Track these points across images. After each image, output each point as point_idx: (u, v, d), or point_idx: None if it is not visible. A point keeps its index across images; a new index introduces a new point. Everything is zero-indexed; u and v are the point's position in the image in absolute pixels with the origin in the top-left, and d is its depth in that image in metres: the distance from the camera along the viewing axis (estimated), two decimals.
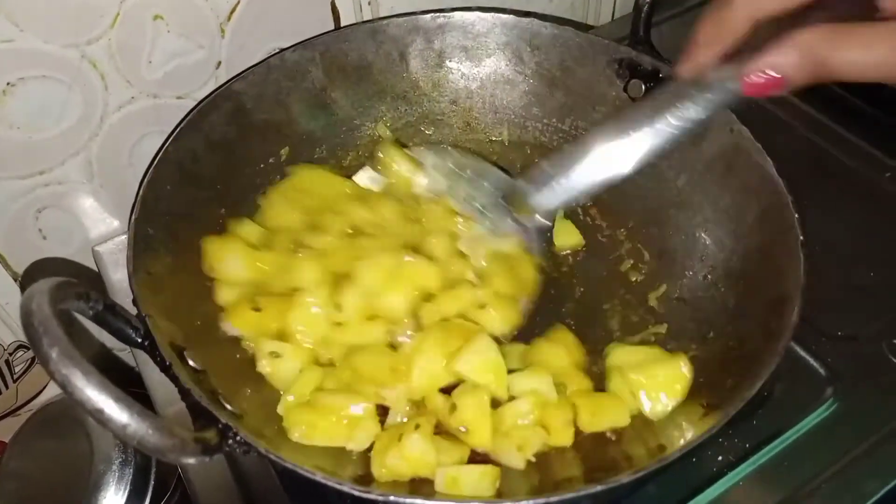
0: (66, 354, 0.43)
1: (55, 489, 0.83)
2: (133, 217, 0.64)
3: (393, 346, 0.67)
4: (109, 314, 0.55)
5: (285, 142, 0.82)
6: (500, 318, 0.69)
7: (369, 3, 0.85)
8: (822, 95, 0.93)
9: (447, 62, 0.84)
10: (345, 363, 0.66)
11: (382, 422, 0.63)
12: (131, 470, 0.83)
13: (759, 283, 0.66)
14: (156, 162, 0.68)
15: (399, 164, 0.78)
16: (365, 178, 0.80)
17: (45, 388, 1.00)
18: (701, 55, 0.55)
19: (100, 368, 0.44)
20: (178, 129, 0.70)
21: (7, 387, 0.96)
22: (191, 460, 0.49)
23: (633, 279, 0.77)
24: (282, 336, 0.67)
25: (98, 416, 0.44)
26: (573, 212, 0.82)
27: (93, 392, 0.44)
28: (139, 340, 0.57)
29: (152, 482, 0.84)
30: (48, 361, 0.43)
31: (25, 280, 0.86)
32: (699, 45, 0.55)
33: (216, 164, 0.75)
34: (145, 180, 0.66)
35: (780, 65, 0.47)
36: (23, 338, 0.91)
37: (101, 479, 0.82)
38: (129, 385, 0.49)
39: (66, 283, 0.49)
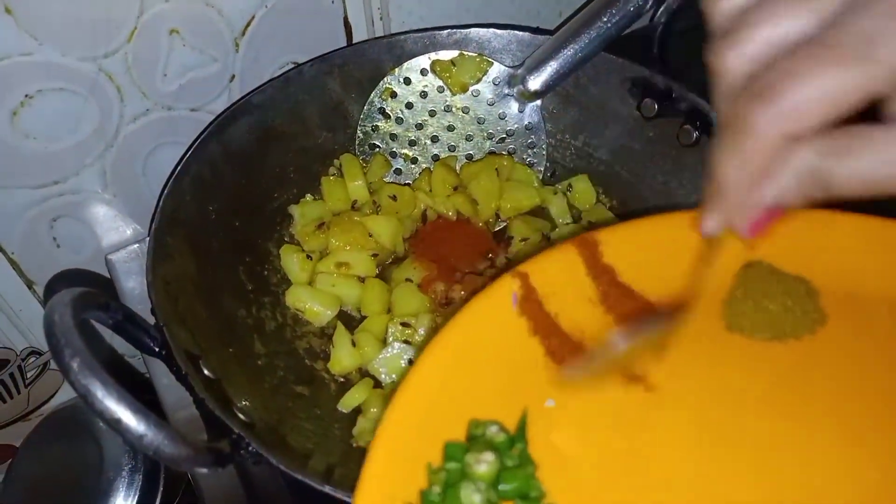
0: (86, 366, 0.44)
1: (65, 494, 0.84)
2: (153, 227, 0.65)
3: None
4: (129, 323, 0.56)
5: (302, 154, 0.83)
6: None
7: (381, 19, 0.86)
8: None
9: None
10: None
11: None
12: (140, 476, 0.83)
13: None
14: (176, 173, 0.69)
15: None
16: None
17: (55, 393, 1.01)
18: (734, 208, 0.39)
19: (111, 374, 0.45)
20: (197, 141, 0.72)
21: (19, 392, 0.97)
22: (203, 470, 0.50)
23: None
24: None
25: (116, 425, 0.45)
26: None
27: (111, 403, 0.45)
28: (156, 349, 0.58)
29: (161, 488, 0.85)
30: (69, 372, 0.44)
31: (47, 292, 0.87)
32: (727, 194, 0.38)
33: (234, 176, 0.76)
34: (165, 191, 0.68)
35: (774, 197, 0.37)
36: (35, 344, 0.92)
37: (110, 485, 0.82)
38: (138, 390, 0.50)
39: (88, 293, 0.50)
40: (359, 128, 0.85)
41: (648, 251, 0.48)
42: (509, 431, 0.42)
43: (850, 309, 0.46)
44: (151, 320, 0.60)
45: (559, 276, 0.47)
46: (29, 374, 0.96)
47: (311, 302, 0.77)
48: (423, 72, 0.83)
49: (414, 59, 0.82)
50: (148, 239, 0.65)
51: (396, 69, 0.83)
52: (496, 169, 0.84)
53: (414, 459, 0.40)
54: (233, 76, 0.81)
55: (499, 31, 0.83)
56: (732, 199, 0.38)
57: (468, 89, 0.84)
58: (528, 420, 0.42)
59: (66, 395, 1.01)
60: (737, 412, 0.43)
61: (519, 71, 0.81)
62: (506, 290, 0.46)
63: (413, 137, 0.86)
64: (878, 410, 0.43)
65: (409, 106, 0.85)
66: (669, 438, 0.43)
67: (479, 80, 0.83)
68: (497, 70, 0.82)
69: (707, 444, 0.42)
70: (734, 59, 0.37)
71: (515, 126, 0.85)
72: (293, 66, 0.82)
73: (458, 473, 0.39)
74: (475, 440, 0.41)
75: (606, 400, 0.44)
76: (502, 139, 0.86)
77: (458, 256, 0.79)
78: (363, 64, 0.82)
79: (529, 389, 0.44)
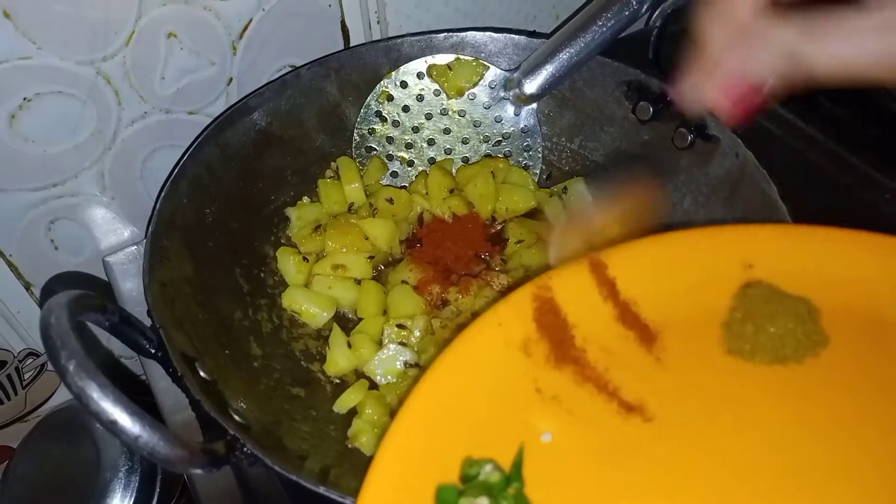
0: (82, 368, 0.45)
1: (62, 494, 0.84)
2: (150, 230, 0.65)
3: None
4: (125, 326, 0.56)
5: (299, 156, 0.83)
6: None
7: (378, 23, 0.86)
8: (822, 115, 0.94)
9: None
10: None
11: None
12: (137, 477, 0.83)
13: None
14: (173, 176, 0.69)
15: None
16: None
17: (52, 394, 1.01)
18: (715, 70, 0.43)
19: (108, 376, 0.46)
20: (195, 144, 0.72)
21: (16, 393, 0.97)
22: (199, 471, 0.50)
23: None
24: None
25: (111, 427, 0.45)
26: None
27: (107, 404, 0.45)
28: (153, 351, 0.58)
29: (158, 489, 0.85)
30: (65, 374, 0.45)
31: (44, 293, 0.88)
32: (710, 53, 0.42)
33: (231, 178, 0.77)
34: (162, 194, 0.68)
35: (752, 70, 0.40)
36: (33, 345, 0.92)
37: (107, 486, 0.82)
38: (135, 393, 0.51)
39: (84, 295, 0.50)
40: (356, 131, 0.85)
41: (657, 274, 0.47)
42: (504, 470, 0.40)
43: (852, 329, 0.45)
44: (148, 322, 0.60)
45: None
46: (26, 376, 0.96)
47: (307, 304, 0.77)
48: (420, 75, 0.83)
49: (411, 63, 0.83)
50: (145, 241, 0.65)
51: (393, 73, 0.83)
52: (492, 172, 0.84)
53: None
54: (230, 79, 0.81)
55: (495, 35, 0.83)
56: (713, 58, 0.42)
57: (464, 93, 0.84)
58: (525, 457, 0.41)
59: (63, 396, 1.02)
60: (739, 440, 0.42)
61: (515, 74, 0.81)
62: (498, 320, 0.45)
63: (409, 140, 0.86)
64: (880, 435, 0.42)
65: (406, 109, 0.85)
66: (671, 469, 0.41)
67: (475, 85, 0.83)
68: (493, 74, 0.83)
69: (709, 474, 0.41)
70: None
71: (511, 129, 0.85)
72: (291, 69, 0.83)
73: None
74: (469, 481, 0.39)
75: (604, 432, 0.42)
76: (498, 142, 0.86)
77: (453, 259, 0.80)
78: (360, 67, 0.83)
79: (525, 424, 0.43)
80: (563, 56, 0.77)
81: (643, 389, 0.44)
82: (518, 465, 0.41)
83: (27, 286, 0.86)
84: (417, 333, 0.73)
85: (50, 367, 0.97)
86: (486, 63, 0.82)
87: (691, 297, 0.47)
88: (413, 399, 0.41)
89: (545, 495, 0.40)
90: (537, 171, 0.87)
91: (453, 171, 0.87)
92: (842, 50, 0.37)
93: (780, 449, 0.42)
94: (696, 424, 0.43)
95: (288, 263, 0.79)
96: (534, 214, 0.86)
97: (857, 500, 0.40)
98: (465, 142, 0.87)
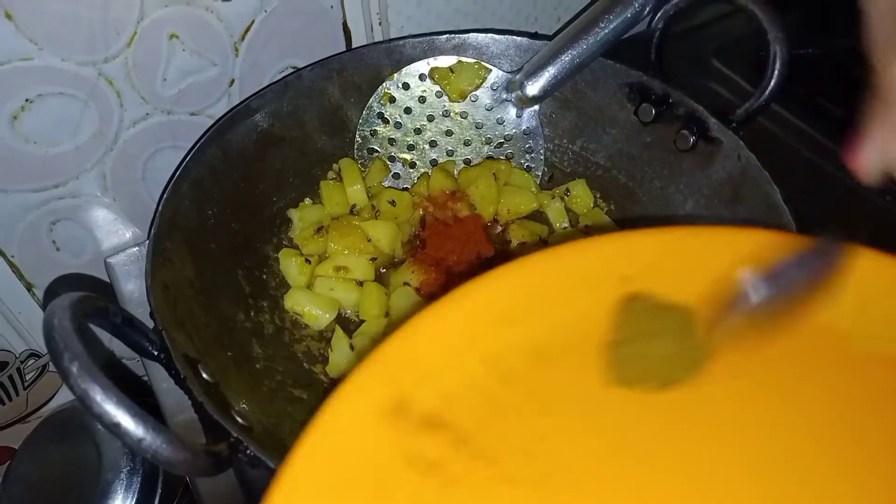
0: (85, 370, 0.45)
1: (63, 496, 0.84)
2: (152, 231, 0.65)
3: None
4: (127, 327, 0.56)
5: (301, 158, 0.83)
6: None
7: (380, 24, 0.86)
8: (822, 115, 0.94)
9: None
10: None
11: None
12: (139, 478, 0.83)
13: None
14: (175, 177, 0.69)
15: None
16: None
17: (54, 395, 1.01)
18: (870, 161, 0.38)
19: (110, 377, 0.46)
20: (197, 146, 0.72)
21: (17, 394, 0.97)
22: (202, 475, 0.50)
23: None
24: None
25: (114, 429, 0.45)
26: (582, 232, 0.83)
27: (110, 406, 0.45)
28: (155, 353, 0.58)
29: (159, 491, 0.85)
30: (68, 376, 0.45)
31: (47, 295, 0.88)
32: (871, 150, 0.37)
33: (233, 180, 0.76)
34: (164, 195, 0.68)
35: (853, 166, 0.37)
36: (34, 346, 0.92)
37: (108, 487, 0.82)
38: (137, 394, 0.50)
39: (87, 297, 0.50)
40: (358, 132, 0.85)
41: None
42: None
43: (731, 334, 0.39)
44: (150, 324, 0.60)
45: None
46: (28, 377, 0.96)
47: (309, 305, 0.77)
48: (422, 77, 0.83)
49: (413, 65, 0.83)
50: (147, 243, 0.65)
51: (395, 74, 0.83)
52: (494, 174, 0.84)
53: None
54: (232, 80, 0.81)
55: (497, 37, 0.83)
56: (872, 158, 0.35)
57: (466, 96, 0.84)
58: None
59: (64, 397, 1.02)
60: (640, 485, 0.36)
61: (517, 76, 0.81)
62: (360, 387, 0.37)
63: (411, 142, 0.86)
64: (776, 451, 0.37)
65: (408, 111, 0.85)
66: None
67: (477, 87, 0.83)
68: (495, 75, 0.83)
69: None
70: None
71: (513, 131, 0.85)
72: (293, 70, 0.83)
73: None
74: None
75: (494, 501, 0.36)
76: (500, 144, 0.86)
77: (455, 261, 0.80)
78: (362, 69, 0.83)
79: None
80: (566, 58, 0.77)
81: (528, 444, 0.37)
82: None
83: (28, 287, 0.86)
84: None
85: (51, 368, 0.97)
86: (487, 66, 0.82)
87: (568, 324, 0.40)
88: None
89: None
90: (539, 173, 0.87)
91: (455, 172, 0.87)
92: None
93: (688, 482, 0.37)
94: (592, 474, 0.37)
95: (290, 265, 0.79)
96: (536, 216, 0.86)
97: None
98: (467, 144, 0.87)
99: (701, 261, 0.41)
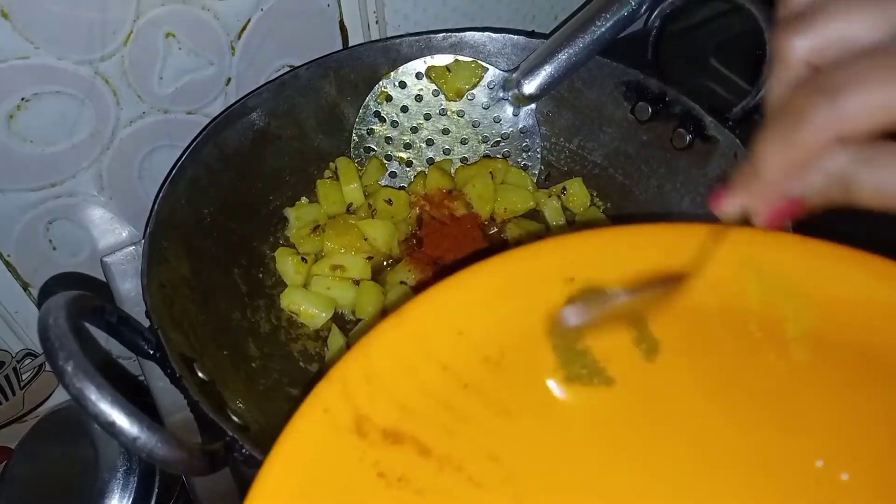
0: (80, 369, 0.45)
1: (60, 495, 0.84)
2: (148, 230, 0.65)
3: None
4: (123, 326, 0.56)
5: (297, 157, 0.83)
6: None
7: (377, 22, 0.86)
8: None
9: None
10: None
11: None
12: (135, 478, 0.83)
13: None
14: (171, 176, 0.69)
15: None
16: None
17: (51, 395, 1.01)
18: (763, 193, 0.39)
19: (106, 376, 0.46)
20: (193, 144, 0.72)
21: (14, 394, 0.97)
22: (198, 474, 0.50)
23: None
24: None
25: (110, 428, 0.45)
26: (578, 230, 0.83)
27: (105, 405, 0.45)
28: (151, 352, 0.58)
29: (156, 490, 0.85)
30: (63, 375, 0.45)
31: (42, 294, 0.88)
32: (763, 179, 0.39)
33: (229, 179, 0.76)
34: (160, 194, 0.68)
35: (801, 191, 0.38)
36: (31, 346, 0.92)
37: (105, 487, 0.82)
38: (133, 393, 0.50)
39: (82, 296, 0.50)
40: (354, 131, 0.85)
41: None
42: None
43: (676, 327, 0.40)
44: (146, 323, 0.60)
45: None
46: (24, 376, 0.96)
47: (305, 304, 0.77)
48: (419, 75, 0.83)
49: (409, 63, 0.83)
50: (143, 242, 0.65)
51: (392, 73, 0.83)
52: (491, 172, 0.84)
53: None
54: (229, 79, 0.81)
55: (494, 35, 0.83)
56: (765, 184, 0.38)
57: (463, 95, 0.84)
58: None
59: (61, 396, 1.01)
60: (607, 481, 0.38)
61: (514, 75, 0.81)
62: (323, 405, 0.37)
63: (408, 141, 0.86)
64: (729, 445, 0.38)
65: (405, 109, 0.85)
66: None
67: (474, 86, 0.83)
68: (492, 74, 0.83)
69: None
70: (801, 46, 0.37)
71: (510, 129, 0.85)
72: (289, 69, 0.83)
73: None
74: None
75: None
76: (497, 142, 0.86)
77: (452, 260, 0.80)
78: (359, 67, 0.83)
79: None
80: (562, 56, 0.77)
81: (491, 447, 0.38)
82: None
83: (25, 286, 0.86)
84: None
85: (48, 367, 0.97)
86: (484, 65, 0.82)
87: (520, 326, 0.41)
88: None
89: None
90: (536, 172, 0.87)
91: (452, 171, 0.87)
92: (890, 182, 0.35)
93: (648, 468, 0.38)
94: (557, 469, 0.38)
95: (286, 264, 0.79)
96: (533, 215, 0.86)
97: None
98: (463, 142, 0.87)
99: (640, 257, 0.41)
